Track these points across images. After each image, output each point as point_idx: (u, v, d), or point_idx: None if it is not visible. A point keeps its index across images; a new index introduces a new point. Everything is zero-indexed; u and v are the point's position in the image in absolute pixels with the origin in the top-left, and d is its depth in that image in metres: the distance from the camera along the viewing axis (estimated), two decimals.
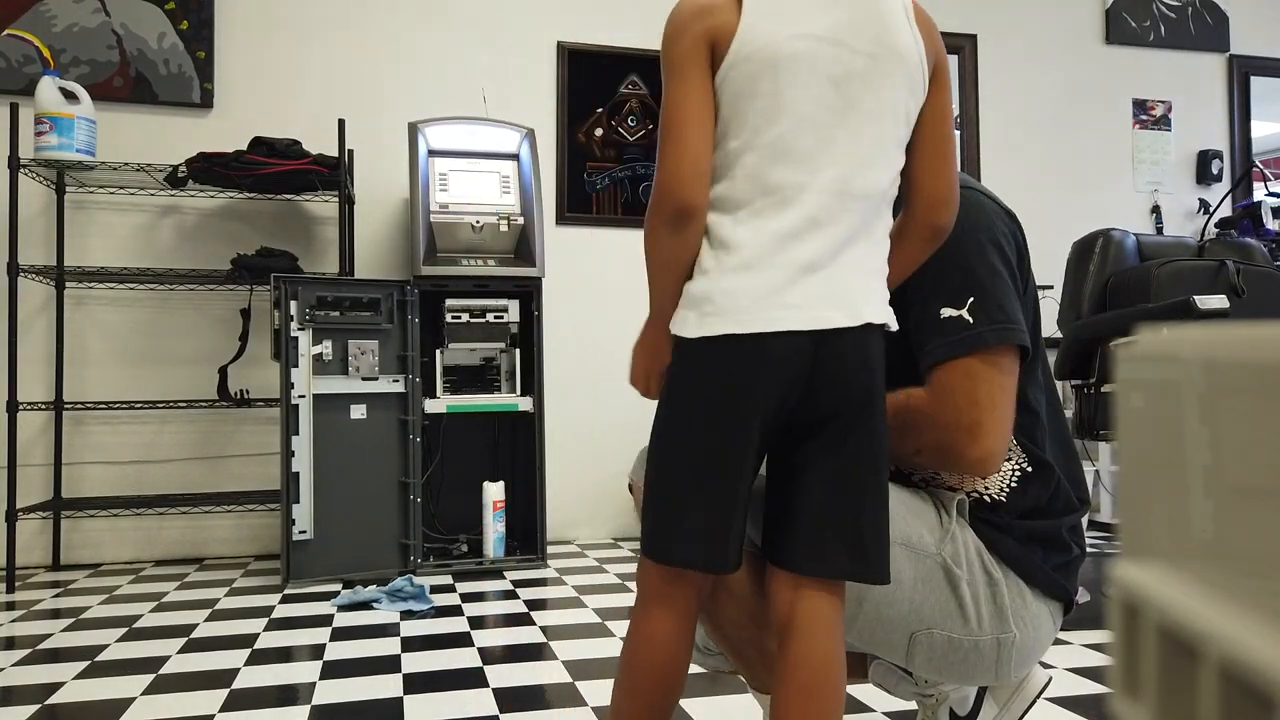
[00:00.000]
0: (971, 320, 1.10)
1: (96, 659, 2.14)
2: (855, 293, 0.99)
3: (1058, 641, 2.16)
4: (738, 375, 0.99)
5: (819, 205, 0.98)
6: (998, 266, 1.13)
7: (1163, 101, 4.51)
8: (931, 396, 1.12)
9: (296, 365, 2.94)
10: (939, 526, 1.18)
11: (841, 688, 1.03)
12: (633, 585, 2.88)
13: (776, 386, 0.99)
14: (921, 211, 1.04)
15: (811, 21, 0.98)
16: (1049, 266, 3.13)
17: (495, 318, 3.21)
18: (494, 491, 3.16)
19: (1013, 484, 1.21)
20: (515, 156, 3.35)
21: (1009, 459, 1.21)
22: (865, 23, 0.98)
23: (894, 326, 1.04)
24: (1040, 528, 1.21)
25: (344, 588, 2.81)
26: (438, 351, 3.20)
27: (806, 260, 0.98)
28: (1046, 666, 1.40)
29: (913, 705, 1.73)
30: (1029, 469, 1.22)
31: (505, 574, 3.06)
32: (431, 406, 3.13)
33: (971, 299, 1.11)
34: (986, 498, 1.21)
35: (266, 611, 2.58)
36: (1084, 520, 1.27)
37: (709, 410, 1.01)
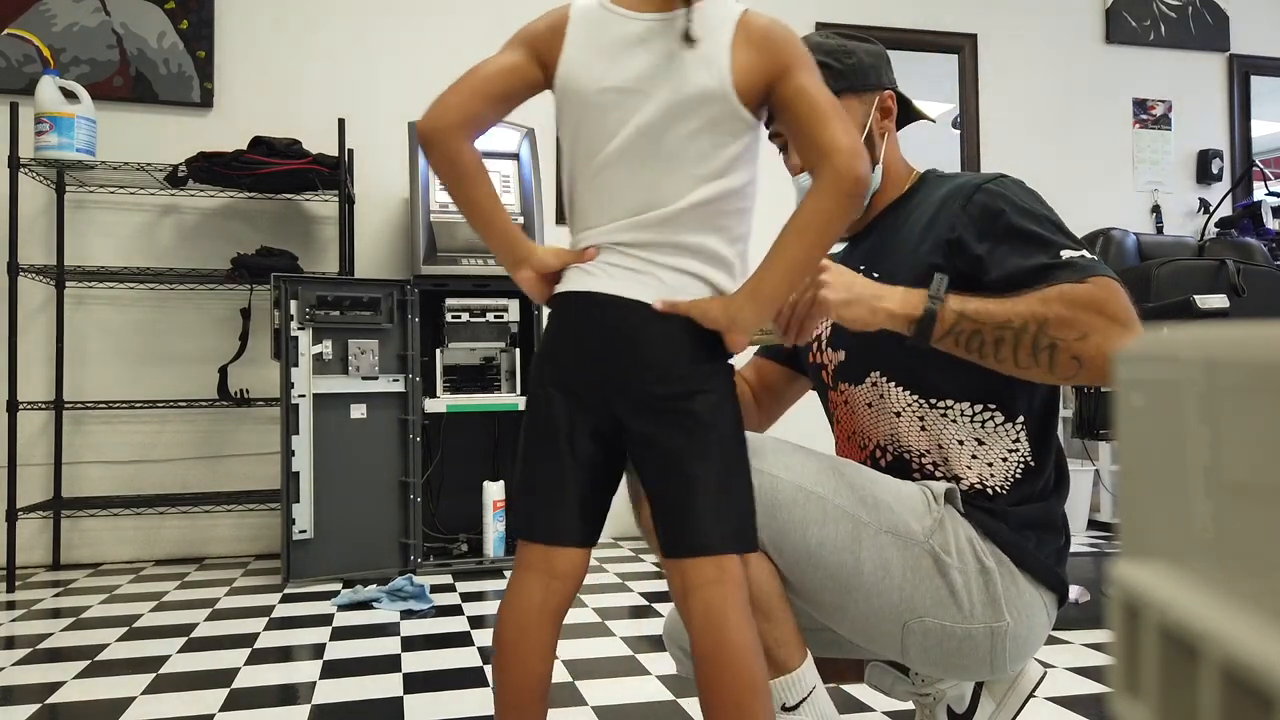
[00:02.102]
0: (1096, 259, 1.13)
1: (96, 658, 2.14)
2: (655, 277, 1.06)
3: (1057, 641, 2.16)
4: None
5: (621, 226, 1.07)
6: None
7: (1163, 101, 4.51)
8: (1101, 288, 1.09)
9: (296, 365, 2.94)
10: (927, 514, 1.17)
11: (747, 660, 1.03)
12: (633, 584, 2.88)
13: (569, 352, 1.09)
14: (816, 170, 1.03)
15: (616, 74, 1.07)
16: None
17: (495, 317, 3.21)
18: (494, 491, 3.16)
19: (1017, 475, 1.22)
20: (515, 156, 3.35)
21: (1015, 450, 1.22)
22: (664, 70, 1.05)
23: (686, 305, 1.05)
24: (1033, 513, 1.22)
25: (344, 587, 2.81)
26: (438, 351, 3.20)
27: (612, 243, 1.08)
28: (1045, 665, 1.40)
29: (911, 705, 1.73)
30: (1032, 463, 1.22)
31: (505, 573, 3.06)
32: (431, 406, 3.13)
33: (1084, 249, 1.15)
34: (989, 490, 1.22)
35: (266, 611, 2.58)
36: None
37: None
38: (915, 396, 1.25)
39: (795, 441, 1.24)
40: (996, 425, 1.22)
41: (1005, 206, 1.19)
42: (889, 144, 1.35)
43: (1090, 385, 1.12)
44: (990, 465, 1.22)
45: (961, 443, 1.23)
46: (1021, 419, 1.22)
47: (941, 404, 1.23)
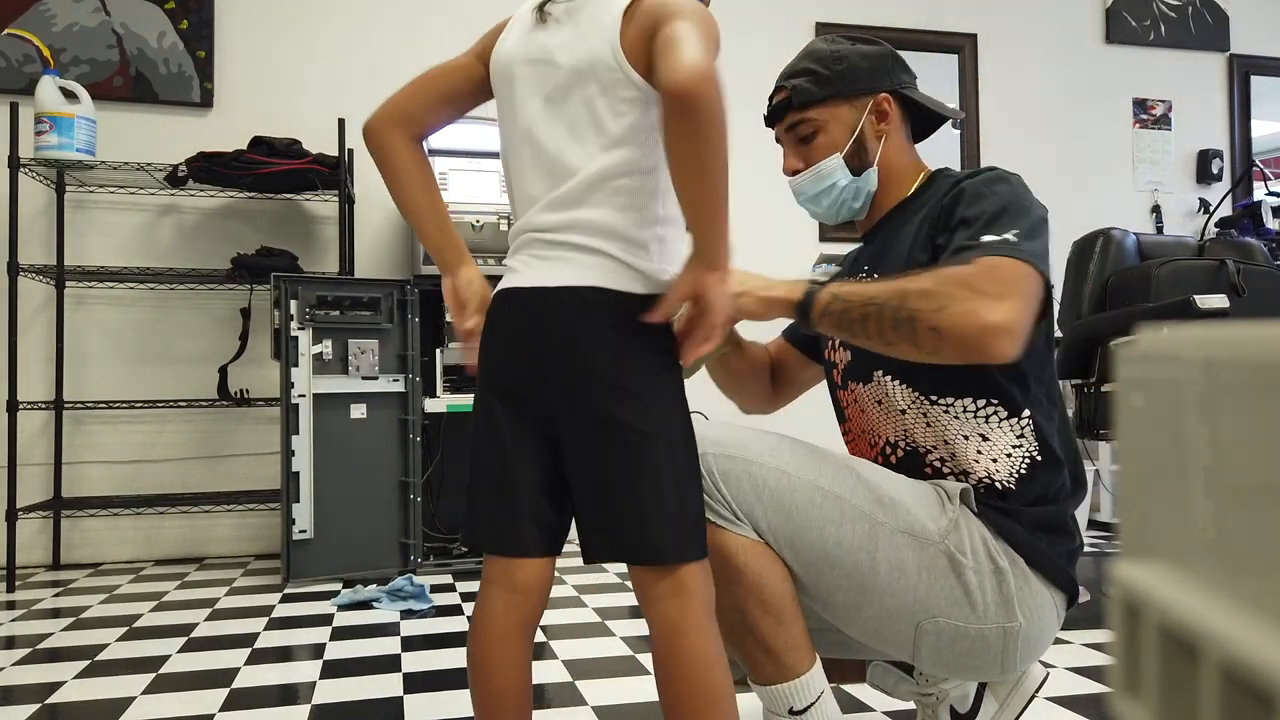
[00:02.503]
0: (1015, 240, 1.13)
1: (96, 658, 2.14)
2: (565, 262, 1.06)
3: (1058, 641, 2.16)
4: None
5: (542, 207, 1.09)
6: (1039, 228, 1.17)
7: (1163, 101, 4.51)
8: (976, 267, 1.09)
9: (296, 365, 2.94)
10: (942, 515, 1.18)
11: (700, 671, 1.03)
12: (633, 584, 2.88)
13: (501, 349, 1.10)
14: (660, 89, 0.98)
15: (528, 48, 1.12)
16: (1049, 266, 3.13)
17: None
18: None
19: (1023, 470, 1.22)
20: None
21: (1020, 446, 1.21)
22: (569, 42, 1.08)
23: (616, 286, 1.05)
24: (1047, 514, 1.22)
25: (344, 587, 2.81)
26: (438, 351, 3.20)
27: (527, 239, 1.10)
28: (1046, 665, 1.40)
29: (912, 705, 1.73)
30: (1039, 458, 1.22)
31: None
32: (431, 406, 3.13)
33: (1016, 230, 1.14)
34: (998, 485, 1.22)
35: (266, 611, 2.58)
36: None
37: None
38: (917, 394, 1.26)
39: (800, 439, 1.24)
40: (1000, 420, 1.22)
41: (965, 199, 1.21)
42: (889, 146, 1.35)
43: (959, 361, 1.11)
44: (995, 460, 1.22)
45: (967, 438, 1.23)
46: (1027, 413, 1.22)
47: (943, 401, 1.24)
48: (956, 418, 1.23)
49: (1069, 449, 1.26)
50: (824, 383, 1.49)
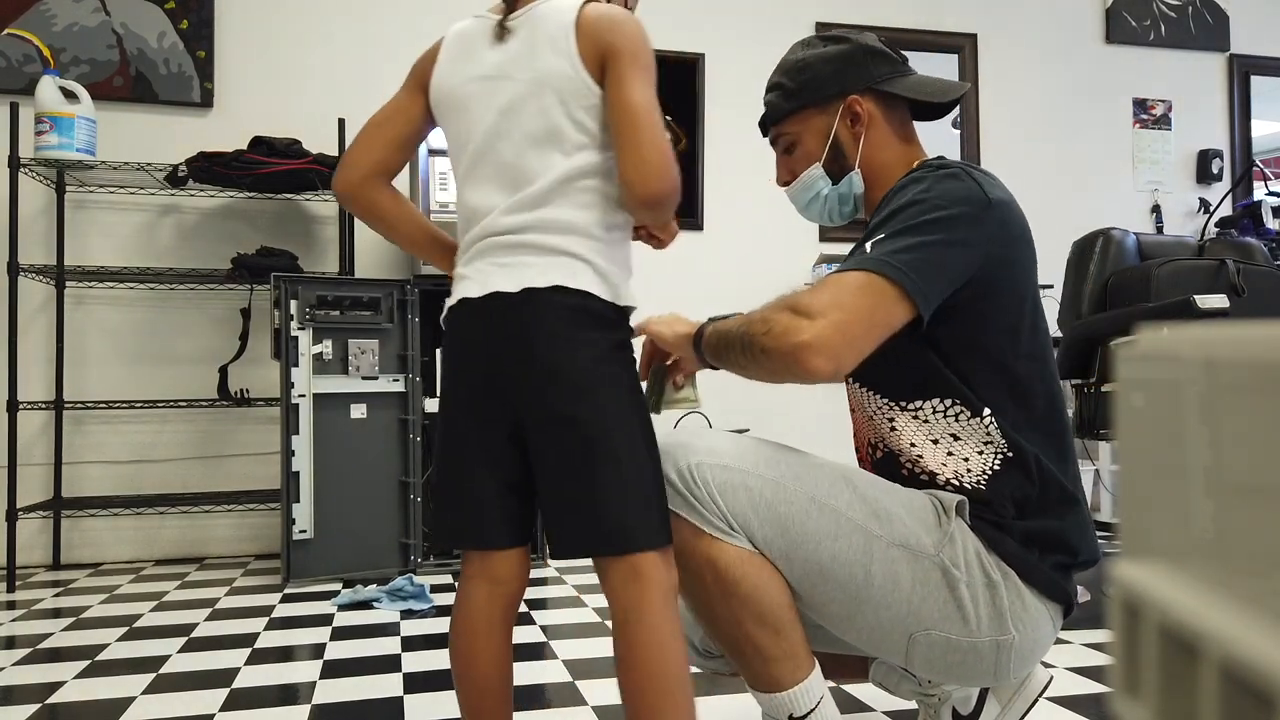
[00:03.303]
0: (869, 251, 1.15)
1: (96, 658, 2.14)
2: (524, 267, 1.10)
3: (1058, 641, 2.16)
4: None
5: (500, 213, 1.12)
6: (930, 223, 1.14)
7: (1163, 101, 4.51)
8: (814, 286, 1.15)
9: (296, 365, 2.94)
10: (937, 528, 1.17)
11: (657, 658, 1.06)
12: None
13: (462, 355, 1.16)
14: (624, 190, 1.11)
15: (478, 66, 1.15)
16: (1049, 266, 3.12)
17: None
18: None
19: (995, 468, 1.20)
20: None
21: (989, 443, 1.20)
22: (523, 56, 1.12)
23: (574, 284, 1.08)
24: (1039, 528, 1.21)
25: (344, 587, 2.81)
26: (438, 351, 3.19)
27: (484, 246, 1.13)
28: (1047, 666, 1.40)
29: (914, 705, 1.73)
30: (1010, 455, 1.20)
31: None
32: (432, 406, 3.13)
33: (884, 235, 1.15)
34: (968, 484, 1.21)
35: (266, 611, 2.58)
36: (1089, 523, 1.26)
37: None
38: (884, 399, 1.26)
39: (798, 443, 1.24)
40: (967, 420, 1.21)
41: (888, 201, 1.22)
42: (870, 145, 1.32)
43: (785, 378, 1.15)
44: (967, 460, 1.21)
45: (936, 441, 1.22)
46: (987, 412, 1.20)
47: (911, 406, 1.24)
48: (926, 420, 1.23)
49: (1063, 461, 1.23)
50: None
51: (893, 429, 1.26)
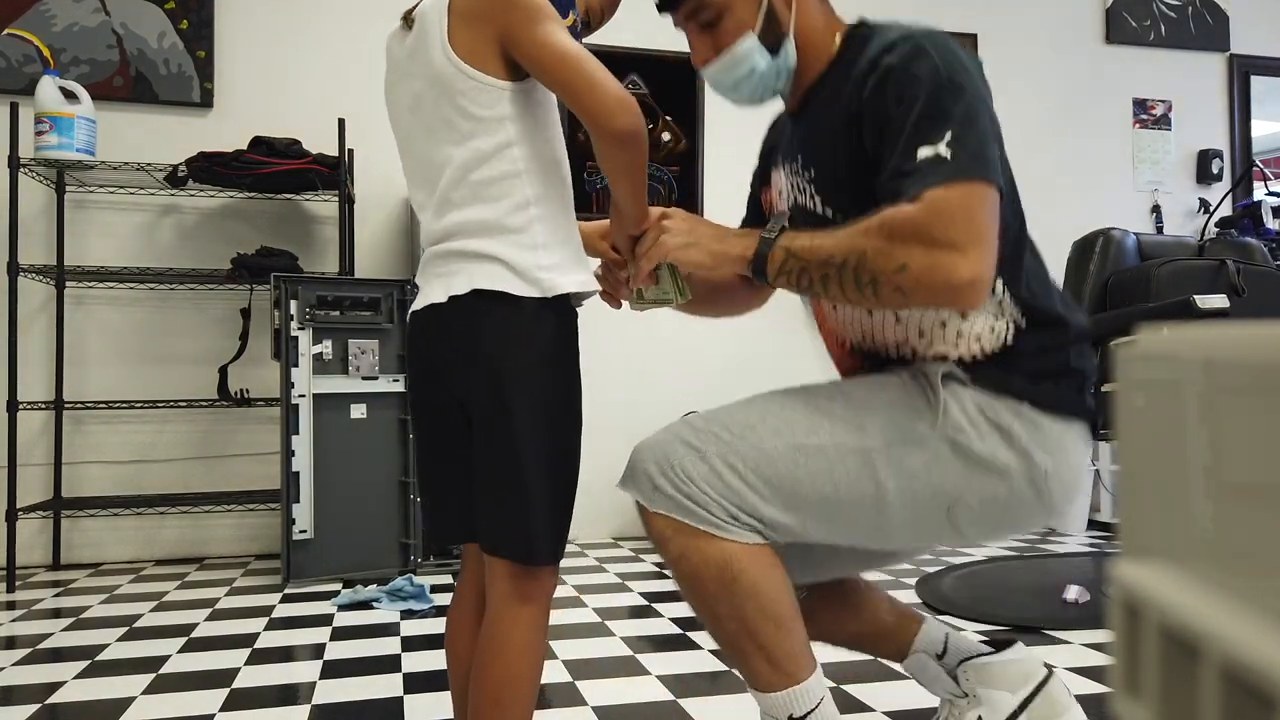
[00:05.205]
0: (950, 156, 1.07)
1: (96, 659, 2.14)
2: (452, 275, 1.12)
3: (1058, 641, 2.16)
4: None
5: (430, 215, 1.15)
6: (975, 110, 1.11)
7: (1163, 101, 4.51)
8: (925, 210, 1.04)
9: (296, 365, 2.94)
10: (928, 409, 1.15)
11: (491, 670, 1.10)
12: (633, 585, 2.88)
13: (412, 362, 1.22)
14: (589, 130, 1.08)
15: (392, 63, 1.18)
16: (1049, 265, 3.13)
17: None
18: None
19: (1008, 340, 1.18)
20: None
21: (1001, 317, 1.17)
22: (416, 53, 1.13)
23: (491, 286, 1.08)
24: (1047, 362, 1.19)
25: (344, 587, 2.81)
26: None
27: (427, 257, 1.18)
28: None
29: (913, 705, 1.73)
30: (1023, 323, 1.18)
31: None
32: None
33: (950, 133, 1.08)
34: (980, 355, 1.18)
35: (266, 611, 2.58)
36: (1085, 338, 1.24)
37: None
38: None
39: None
40: None
41: (890, 90, 1.12)
42: (800, 12, 1.24)
43: (922, 308, 1.12)
44: (979, 338, 1.18)
45: (944, 323, 1.19)
46: (999, 281, 1.17)
47: None
48: None
49: (1038, 284, 1.21)
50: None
51: (897, 319, 1.21)
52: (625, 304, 1.35)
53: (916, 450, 1.14)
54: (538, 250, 1.11)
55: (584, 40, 1.15)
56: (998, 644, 1.39)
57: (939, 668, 1.38)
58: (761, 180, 1.46)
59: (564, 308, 1.14)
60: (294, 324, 2.94)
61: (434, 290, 1.14)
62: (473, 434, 1.14)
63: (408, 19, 1.16)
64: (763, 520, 1.13)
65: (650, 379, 3.84)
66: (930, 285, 1.04)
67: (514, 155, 1.10)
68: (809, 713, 1.14)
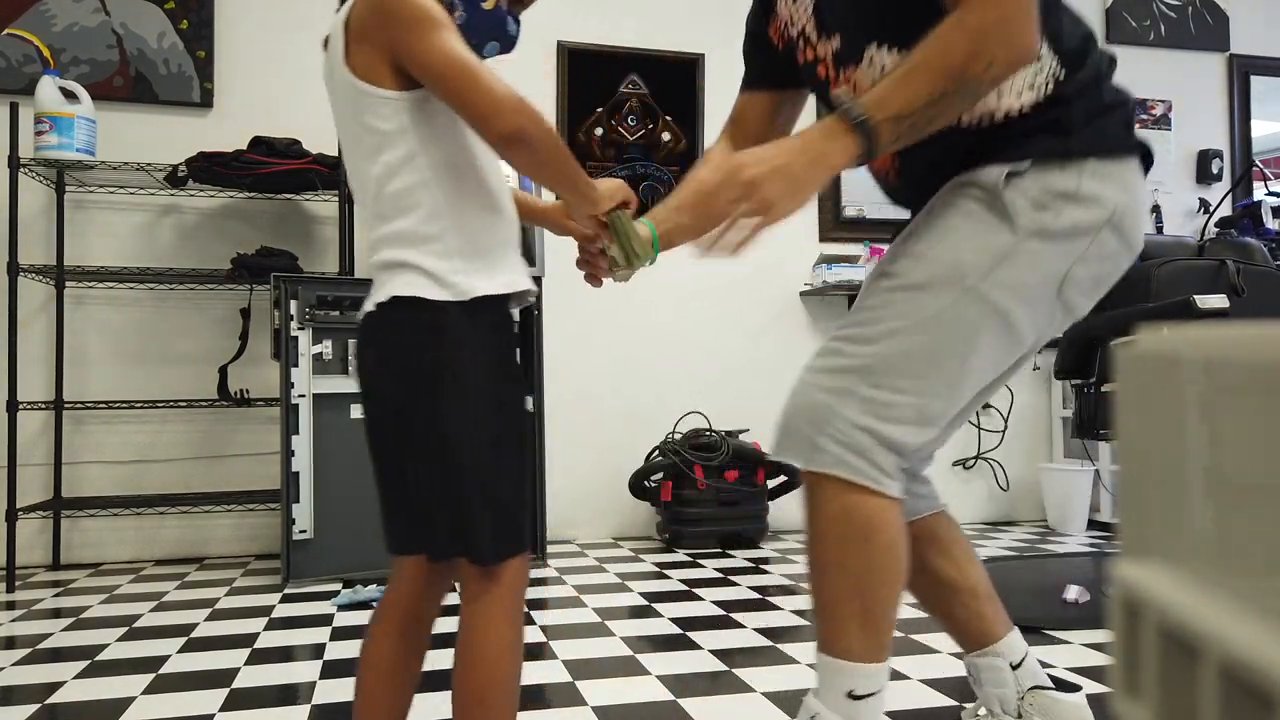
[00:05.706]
0: None
1: (96, 659, 2.14)
2: (379, 286, 1.14)
3: (1058, 641, 2.16)
4: None
5: (368, 229, 1.16)
6: None
7: (1163, 101, 4.51)
8: (983, 8, 1.08)
9: (296, 365, 2.94)
10: (1002, 220, 1.17)
11: (470, 673, 1.14)
12: (632, 584, 2.88)
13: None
14: (491, 141, 1.09)
15: (328, 89, 1.18)
16: None
17: None
18: None
19: (1048, 92, 1.19)
20: None
21: (1042, 71, 1.19)
22: (331, 71, 1.14)
23: (410, 293, 1.09)
24: (1093, 101, 1.21)
25: (344, 587, 2.81)
26: None
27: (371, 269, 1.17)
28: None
29: (912, 704, 1.72)
30: (1061, 77, 1.19)
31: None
32: None
33: None
34: (1025, 112, 1.19)
35: (266, 611, 2.58)
36: (1110, 64, 1.27)
37: None
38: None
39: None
40: None
41: None
42: None
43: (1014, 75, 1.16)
44: (1019, 95, 1.19)
45: (999, 92, 1.19)
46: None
47: None
48: None
49: (1076, 31, 1.23)
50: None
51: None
52: (608, 281, 1.35)
53: (1012, 261, 1.16)
54: (453, 256, 1.11)
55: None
56: (1062, 684, 1.39)
57: (1012, 678, 1.36)
58: (764, 13, 1.42)
59: (491, 309, 1.13)
60: (294, 324, 2.94)
61: (369, 299, 1.15)
62: (403, 437, 1.14)
63: (325, 42, 1.17)
64: (931, 421, 1.15)
65: (651, 380, 3.84)
66: (1016, 65, 1.10)
67: (420, 165, 1.10)
68: (868, 695, 1.13)
